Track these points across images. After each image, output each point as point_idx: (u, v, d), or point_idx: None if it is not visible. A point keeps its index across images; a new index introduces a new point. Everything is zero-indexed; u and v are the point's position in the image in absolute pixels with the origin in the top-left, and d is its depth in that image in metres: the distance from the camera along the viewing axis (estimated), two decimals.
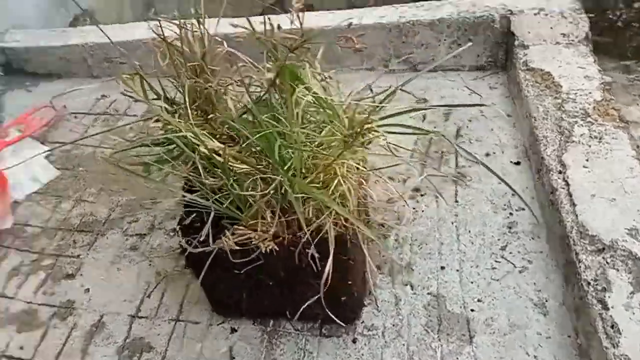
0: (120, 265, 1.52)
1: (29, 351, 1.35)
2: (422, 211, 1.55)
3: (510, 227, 1.45)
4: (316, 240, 1.08)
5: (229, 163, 1.13)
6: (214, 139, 1.13)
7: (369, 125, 1.08)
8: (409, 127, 1.26)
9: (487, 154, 1.69)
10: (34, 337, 1.37)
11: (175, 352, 1.30)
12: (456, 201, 1.56)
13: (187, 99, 1.14)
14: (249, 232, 1.09)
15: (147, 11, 3.29)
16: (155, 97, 1.24)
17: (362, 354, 1.24)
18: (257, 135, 1.13)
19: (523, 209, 1.49)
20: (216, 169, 1.17)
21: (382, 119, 1.33)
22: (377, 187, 1.59)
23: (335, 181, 1.08)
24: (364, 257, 1.29)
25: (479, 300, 1.30)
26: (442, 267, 1.40)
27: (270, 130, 1.13)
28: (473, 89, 1.94)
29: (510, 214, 1.48)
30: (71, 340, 1.36)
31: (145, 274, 1.48)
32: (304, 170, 1.13)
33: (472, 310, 1.29)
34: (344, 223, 1.13)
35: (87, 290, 1.47)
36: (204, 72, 1.24)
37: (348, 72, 2.10)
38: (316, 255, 1.15)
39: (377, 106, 1.34)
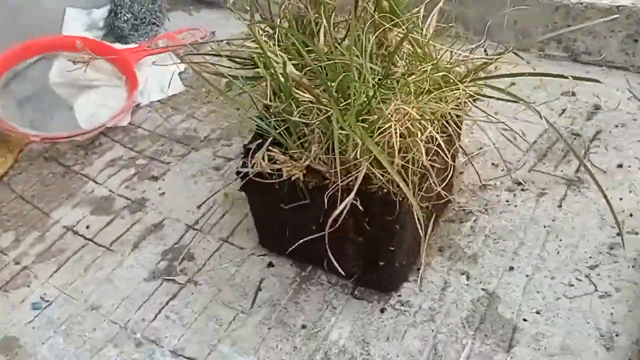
0: (199, 180, 1.57)
1: (92, 231, 1.46)
2: (515, 206, 1.35)
3: (611, 248, 1.20)
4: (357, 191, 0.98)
5: (294, 89, 1.08)
6: (291, 65, 1.10)
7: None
8: (507, 93, 1.10)
9: (619, 165, 1.41)
10: (102, 222, 1.48)
11: (210, 268, 1.31)
12: (559, 206, 1.34)
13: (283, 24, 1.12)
14: (283, 157, 1.03)
15: None
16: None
17: (385, 326, 1.12)
18: (324, 63, 1.07)
19: (637, 234, 1.22)
20: (282, 94, 1.13)
21: (486, 78, 1.18)
22: (470, 169, 1.44)
23: (386, 126, 0.97)
24: (417, 228, 1.16)
25: (537, 312, 1.10)
26: (511, 268, 1.20)
27: (335, 61, 1.05)
28: (636, 94, 1.64)
29: (618, 234, 1.22)
30: (130, 233, 1.44)
31: (217, 192, 1.51)
32: (365, 110, 1.03)
33: (524, 319, 1.09)
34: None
35: (163, 194, 1.55)
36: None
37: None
38: (360, 207, 1.06)
39: (484, 63, 1.20)
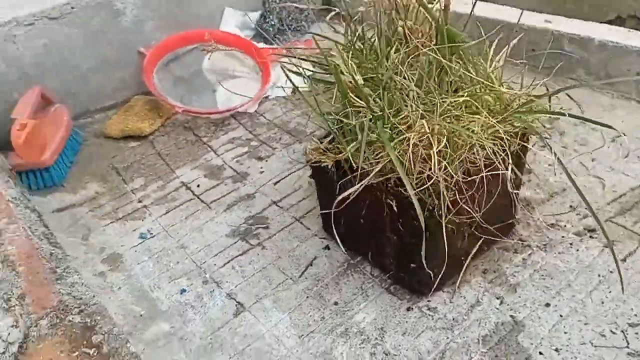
0: (294, 167, 1.79)
1: (200, 190, 1.74)
2: (577, 250, 1.35)
3: None
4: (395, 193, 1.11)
5: (349, 94, 1.23)
6: (358, 75, 1.25)
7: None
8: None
9: None
10: (210, 184, 1.77)
11: (278, 239, 1.50)
12: (624, 260, 1.31)
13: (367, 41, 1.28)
14: (321, 149, 1.19)
15: None
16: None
17: (406, 322, 1.22)
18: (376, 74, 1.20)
19: None
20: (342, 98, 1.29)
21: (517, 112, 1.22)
22: (546, 205, 1.46)
23: (412, 135, 1.07)
24: (457, 242, 1.24)
25: (556, 350, 1.11)
26: (547, 304, 1.22)
27: (380, 73, 1.18)
28: None
29: None
30: (227, 197, 1.69)
31: (305, 179, 1.70)
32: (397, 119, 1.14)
33: (540, 353, 1.11)
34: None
35: (262, 172, 1.79)
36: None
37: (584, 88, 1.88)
38: (395, 208, 1.18)
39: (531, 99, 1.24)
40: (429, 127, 1.05)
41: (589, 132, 1.76)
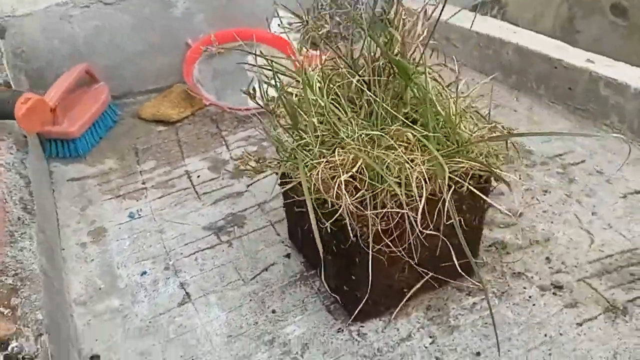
0: None
1: (198, 181, 1.84)
2: (534, 305, 1.28)
3: None
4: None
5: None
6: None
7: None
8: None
9: None
10: (209, 176, 1.85)
11: (247, 238, 1.55)
12: (580, 324, 1.23)
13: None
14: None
15: None
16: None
17: (330, 342, 1.22)
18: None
19: None
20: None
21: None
22: (520, 253, 1.39)
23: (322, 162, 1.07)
24: (394, 273, 1.22)
25: None
26: (478, 354, 1.18)
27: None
28: None
29: None
30: (218, 192, 1.77)
31: None
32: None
33: None
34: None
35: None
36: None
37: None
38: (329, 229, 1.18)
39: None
40: (341, 155, 1.05)
41: (602, 184, 1.64)
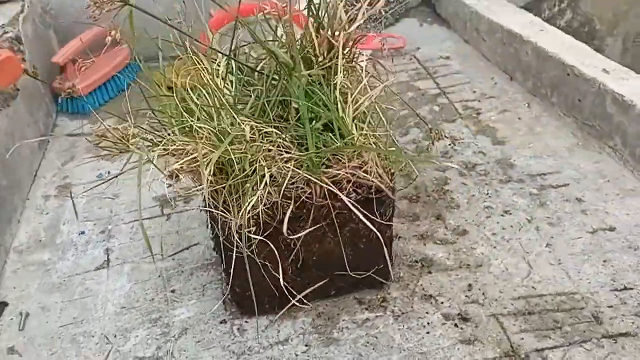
0: None
1: None
2: (428, 333, 1.19)
3: None
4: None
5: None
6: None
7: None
8: None
9: None
10: None
11: (186, 214, 1.57)
12: None
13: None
14: None
15: None
16: None
17: (209, 332, 1.22)
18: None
19: None
20: None
21: None
22: (439, 272, 1.30)
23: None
24: (276, 280, 1.19)
25: None
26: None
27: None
28: None
29: None
30: None
31: None
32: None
33: None
34: None
35: None
36: None
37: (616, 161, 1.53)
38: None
39: None
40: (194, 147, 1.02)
41: (574, 214, 1.47)
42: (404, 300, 1.26)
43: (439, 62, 2.33)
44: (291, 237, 1.08)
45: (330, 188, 1.07)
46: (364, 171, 1.08)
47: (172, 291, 1.34)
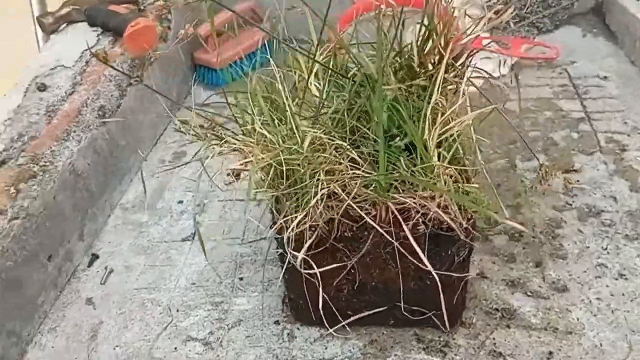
0: None
1: None
2: None
3: None
4: None
5: None
6: None
7: None
8: None
9: None
10: None
11: None
12: None
13: None
14: None
15: None
16: None
17: (260, 330, 1.22)
18: None
19: None
20: None
21: None
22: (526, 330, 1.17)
23: None
24: (330, 295, 1.14)
25: None
26: None
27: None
28: None
29: None
30: None
31: None
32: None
33: None
34: None
35: None
36: None
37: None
38: None
39: None
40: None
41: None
42: (469, 351, 1.14)
43: (594, 81, 2.04)
44: (346, 261, 1.02)
45: (396, 215, 0.98)
46: (437, 204, 0.97)
47: (240, 278, 1.35)
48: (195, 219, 1.55)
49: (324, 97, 1.12)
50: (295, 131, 1.02)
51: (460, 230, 0.97)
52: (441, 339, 1.16)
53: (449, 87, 1.19)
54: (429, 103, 1.05)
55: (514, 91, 2.05)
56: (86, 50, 1.76)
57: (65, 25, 1.94)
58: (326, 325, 1.12)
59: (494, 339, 1.16)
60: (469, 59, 1.22)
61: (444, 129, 1.01)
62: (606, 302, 1.21)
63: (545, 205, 1.48)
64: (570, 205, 1.48)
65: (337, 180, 0.98)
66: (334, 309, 1.18)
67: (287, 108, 1.05)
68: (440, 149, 1.03)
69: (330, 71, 1.11)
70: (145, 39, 1.75)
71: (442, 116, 1.03)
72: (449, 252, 1.05)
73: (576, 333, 1.15)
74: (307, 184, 0.97)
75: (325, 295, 1.14)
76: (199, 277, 1.37)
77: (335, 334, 1.19)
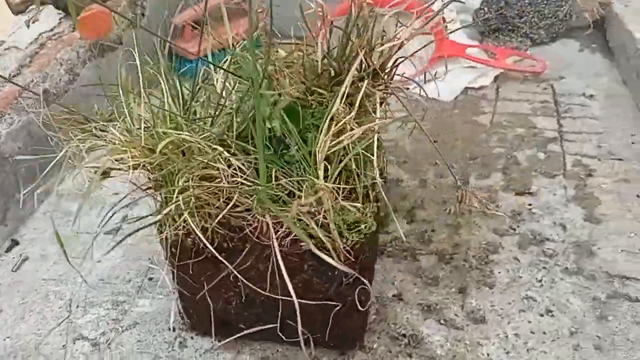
0: None
1: None
2: None
3: None
4: None
5: None
6: None
7: None
8: None
9: None
10: None
11: None
12: None
13: None
14: None
15: None
16: None
17: (156, 333, 1.17)
18: None
19: None
20: None
21: None
22: None
23: None
24: (216, 307, 1.07)
25: None
26: None
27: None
28: None
29: None
30: None
31: None
32: None
33: None
34: None
35: None
36: None
37: None
38: None
39: None
40: None
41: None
42: None
43: (578, 99, 1.91)
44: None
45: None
46: (315, 221, 0.90)
47: (150, 279, 1.30)
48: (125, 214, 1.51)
49: (224, 98, 1.05)
50: (154, 133, 0.95)
51: (336, 253, 0.89)
52: None
53: (371, 97, 1.11)
54: (328, 112, 0.97)
55: (491, 104, 1.95)
56: (44, 32, 1.74)
57: (32, 6, 1.93)
58: (214, 336, 1.06)
59: None
60: (394, 68, 1.14)
61: (334, 142, 0.93)
62: (524, 339, 1.11)
63: (487, 227, 1.38)
64: (514, 229, 1.37)
65: (208, 188, 0.91)
66: (224, 320, 1.12)
67: (165, 108, 0.99)
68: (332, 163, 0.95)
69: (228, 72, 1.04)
70: (98, 25, 1.72)
71: (336, 126, 0.95)
72: (336, 272, 0.97)
73: None
74: (171, 188, 0.91)
75: (212, 305, 1.08)
76: (109, 273, 1.32)
77: (226, 348, 1.12)
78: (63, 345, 1.16)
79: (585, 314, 1.15)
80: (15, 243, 1.42)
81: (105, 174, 0.99)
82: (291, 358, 1.10)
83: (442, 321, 1.16)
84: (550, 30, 2.24)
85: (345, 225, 0.90)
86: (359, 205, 0.91)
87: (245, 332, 1.10)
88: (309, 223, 0.87)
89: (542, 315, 1.15)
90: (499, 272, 1.26)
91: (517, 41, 2.23)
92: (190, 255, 1.00)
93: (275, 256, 0.89)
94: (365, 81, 1.06)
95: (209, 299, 1.07)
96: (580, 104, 1.89)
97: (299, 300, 0.99)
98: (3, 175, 1.40)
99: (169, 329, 1.18)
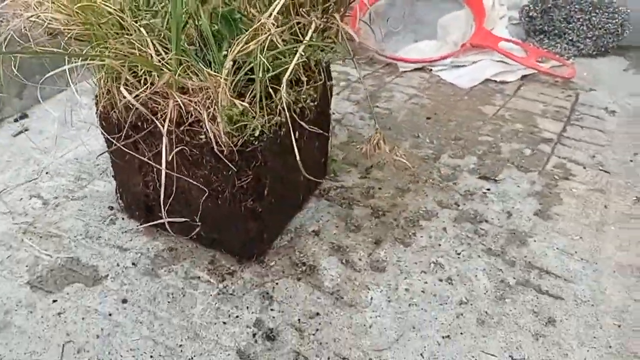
0: None
1: None
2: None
3: None
4: None
5: None
6: None
7: None
8: None
9: None
10: None
11: None
12: None
13: None
14: None
15: None
16: None
17: (102, 219, 1.32)
18: None
19: None
20: None
21: None
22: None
23: None
24: (137, 188, 1.19)
25: None
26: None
27: None
28: None
29: None
30: None
31: None
32: None
33: None
34: None
35: None
36: None
37: None
38: None
39: None
40: None
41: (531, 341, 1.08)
42: (245, 286, 1.13)
43: (596, 112, 1.83)
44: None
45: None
46: (207, 114, 0.98)
47: None
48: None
49: None
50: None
51: (217, 144, 0.97)
52: (230, 268, 1.17)
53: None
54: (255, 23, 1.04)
55: (504, 98, 1.91)
56: None
57: None
58: (139, 220, 1.19)
59: (276, 283, 1.14)
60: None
61: (241, 48, 1.01)
62: (411, 295, 1.13)
63: (433, 198, 1.39)
64: (458, 206, 1.37)
65: (117, 55, 1.01)
66: (147, 206, 1.24)
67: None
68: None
69: None
70: None
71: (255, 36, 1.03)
72: (229, 172, 1.05)
73: (356, 307, 1.09)
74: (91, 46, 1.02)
75: (133, 187, 1.20)
76: (84, 155, 1.49)
77: (146, 233, 1.24)
78: (21, 199, 1.33)
79: (486, 292, 1.14)
80: (25, 116, 1.62)
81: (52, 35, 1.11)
82: (195, 253, 1.20)
83: (344, 261, 1.20)
84: (598, 43, 2.14)
85: (232, 122, 0.98)
86: (245, 104, 0.98)
87: (160, 221, 1.21)
88: (201, 112, 0.96)
89: (441, 281, 1.17)
90: (421, 237, 1.27)
91: (562, 48, 2.15)
92: (114, 130, 1.12)
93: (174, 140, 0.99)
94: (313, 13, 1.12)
95: (129, 180, 1.19)
96: (596, 116, 1.81)
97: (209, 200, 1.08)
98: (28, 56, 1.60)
99: (109, 208, 1.32)
